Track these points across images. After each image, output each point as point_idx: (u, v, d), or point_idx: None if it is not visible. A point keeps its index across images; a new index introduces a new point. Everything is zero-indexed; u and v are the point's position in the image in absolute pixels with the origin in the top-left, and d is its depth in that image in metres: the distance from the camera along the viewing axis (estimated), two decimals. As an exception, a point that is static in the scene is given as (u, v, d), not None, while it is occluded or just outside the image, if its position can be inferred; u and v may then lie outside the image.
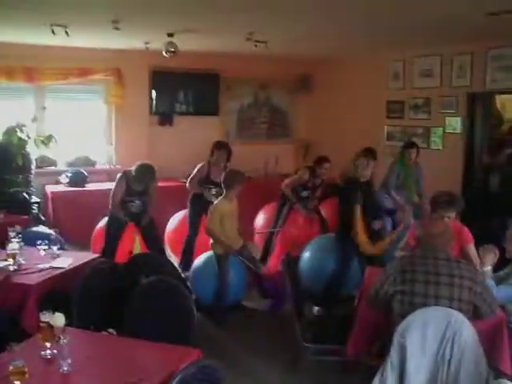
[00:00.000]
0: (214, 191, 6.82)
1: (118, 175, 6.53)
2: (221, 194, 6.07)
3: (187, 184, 7.13)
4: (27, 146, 8.07)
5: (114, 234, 6.44)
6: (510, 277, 4.10)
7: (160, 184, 8.50)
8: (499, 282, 4.10)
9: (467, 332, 3.27)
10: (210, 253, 6.11)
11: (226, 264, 5.86)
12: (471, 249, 4.69)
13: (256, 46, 7.60)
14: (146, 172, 6.35)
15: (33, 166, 8.17)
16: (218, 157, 6.95)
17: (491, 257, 4.12)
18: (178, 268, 6.22)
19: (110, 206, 6.46)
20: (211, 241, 6.00)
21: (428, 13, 6.01)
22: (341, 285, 6.00)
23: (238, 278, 6.04)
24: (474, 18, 6.14)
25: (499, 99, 9.09)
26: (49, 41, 7.45)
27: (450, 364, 3.27)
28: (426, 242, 3.72)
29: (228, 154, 7.08)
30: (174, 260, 7.10)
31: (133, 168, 6.36)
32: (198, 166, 7.09)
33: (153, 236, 6.59)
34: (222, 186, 5.98)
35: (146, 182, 6.40)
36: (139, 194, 6.42)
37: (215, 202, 6.02)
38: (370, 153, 7.22)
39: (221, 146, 7.12)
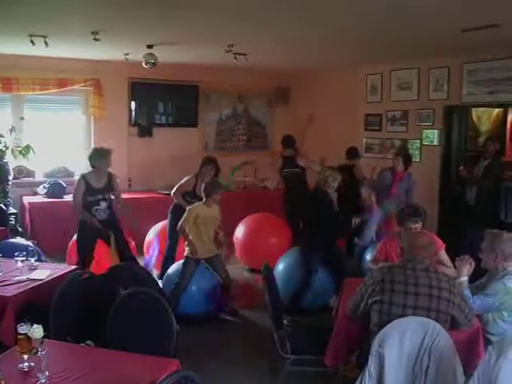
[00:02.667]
0: None
1: (77, 179, 6.50)
2: None
3: (172, 193, 7.09)
4: (5, 157, 8.02)
5: (87, 243, 6.34)
6: (486, 287, 4.16)
7: (139, 196, 8.49)
8: (475, 292, 4.15)
9: (444, 341, 3.31)
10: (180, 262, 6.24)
11: (190, 267, 5.97)
12: (443, 254, 4.91)
13: (235, 58, 7.64)
14: (99, 152, 6.37)
15: (10, 177, 8.12)
16: (205, 171, 6.93)
17: (467, 267, 4.18)
18: (156, 279, 6.19)
19: (74, 211, 6.36)
20: (186, 242, 6.10)
21: (406, 30, 6.13)
22: (303, 297, 6.10)
23: (207, 290, 6.09)
24: (449, 35, 6.26)
25: (475, 112, 9.24)
26: (27, 51, 7.42)
27: (427, 373, 3.30)
28: (410, 252, 3.76)
29: (216, 169, 7.05)
30: (153, 271, 7.06)
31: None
32: (186, 178, 7.06)
33: (122, 238, 6.56)
34: (203, 194, 6.07)
35: (102, 166, 6.33)
36: (101, 191, 6.31)
37: (193, 205, 6.17)
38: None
39: (209, 161, 7.08)
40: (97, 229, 6.24)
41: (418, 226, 4.91)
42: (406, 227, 4.90)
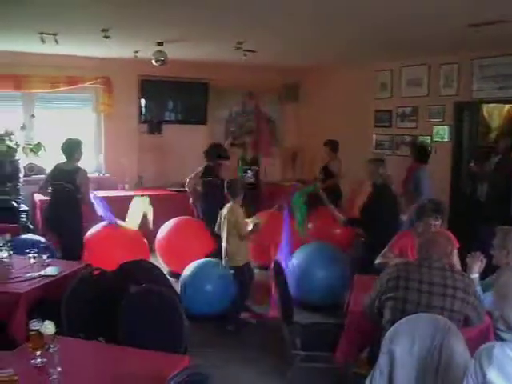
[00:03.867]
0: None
1: None
2: None
3: (186, 185, 7.08)
4: (16, 154, 8.07)
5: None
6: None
7: (149, 192, 8.50)
8: (487, 288, 4.14)
9: (455, 338, 3.30)
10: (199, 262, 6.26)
11: (244, 274, 5.99)
12: (454, 255, 4.78)
13: (245, 55, 7.64)
14: (72, 142, 6.83)
15: (21, 174, 8.17)
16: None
17: (478, 264, 4.17)
18: (167, 276, 6.20)
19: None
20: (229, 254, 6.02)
21: (408, 29, 6.13)
22: None
23: (227, 288, 6.07)
24: (457, 30, 6.23)
25: (486, 108, 9.19)
26: (38, 49, 7.46)
27: (438, 370, 3.29)
28: (425, 249, 3.75)
29: None
30: (164, 268, 7.09)
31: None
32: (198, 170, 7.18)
33: None
34: (229, 195, 6.05)
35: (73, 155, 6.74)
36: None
37: (232, 210, 5.99)
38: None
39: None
40: None
41: (439, 222, 4.78)
42: (426, 223, 4.75)
